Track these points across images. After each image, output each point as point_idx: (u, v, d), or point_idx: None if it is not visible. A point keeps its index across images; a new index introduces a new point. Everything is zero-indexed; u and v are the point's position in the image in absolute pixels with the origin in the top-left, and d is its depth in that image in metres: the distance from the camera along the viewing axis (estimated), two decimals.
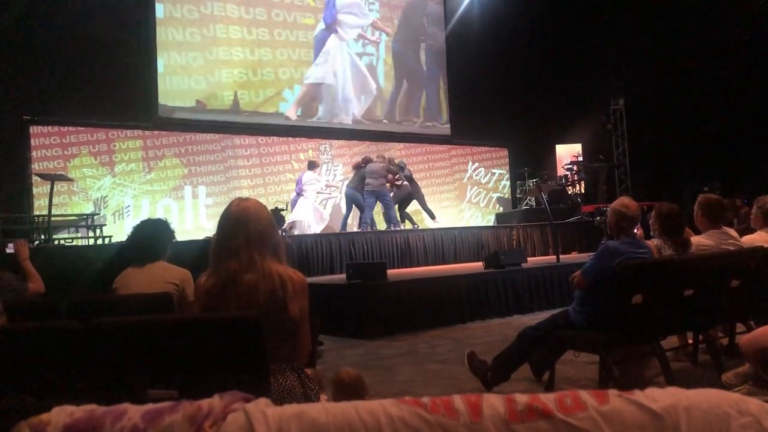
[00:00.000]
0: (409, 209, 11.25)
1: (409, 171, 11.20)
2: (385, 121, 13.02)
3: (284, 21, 11.83)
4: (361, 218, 10.16)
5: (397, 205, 10.87)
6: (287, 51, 11.82)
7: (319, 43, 12.20)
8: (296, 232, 9.81)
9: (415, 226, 10.83)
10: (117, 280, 3.24)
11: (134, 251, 3.30)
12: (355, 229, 10.29)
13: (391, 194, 10.53)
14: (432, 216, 11.04)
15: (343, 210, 10.89)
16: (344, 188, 11.02)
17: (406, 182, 10.80)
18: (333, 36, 12.29)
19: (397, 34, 13.49)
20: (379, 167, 10.06)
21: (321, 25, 12.28)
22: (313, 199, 10.57)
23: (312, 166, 10.66)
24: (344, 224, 10.54)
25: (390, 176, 10.24)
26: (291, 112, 11.74)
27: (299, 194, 10.38)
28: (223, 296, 2.11)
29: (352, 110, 12.49)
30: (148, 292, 3.02)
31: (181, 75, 10.65)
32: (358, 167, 10.51)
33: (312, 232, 10.06)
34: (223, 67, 11.03)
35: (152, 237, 3.32)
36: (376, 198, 9.99)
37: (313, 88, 12.04)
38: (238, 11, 11.27)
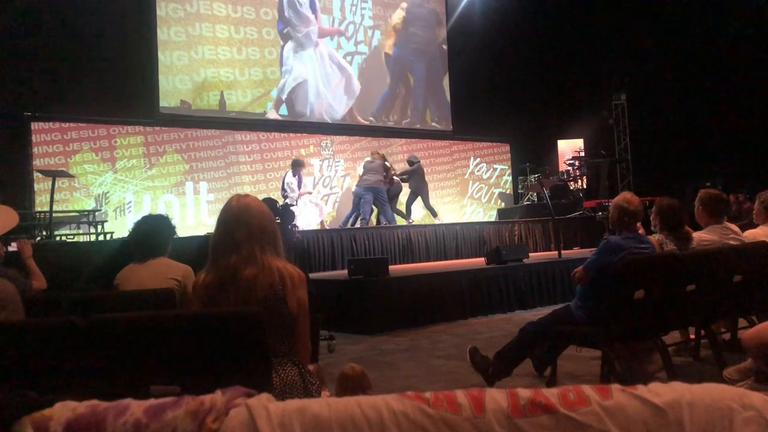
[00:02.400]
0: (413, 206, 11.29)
1: (422, 168, 11.11)
2: (371, 118, 12.89)
3: (273, 19, 11.70)
4: (359, 215, 10.17)
5: (405, 199, 11.00)
6: (276, 50, 11.68)
7: (281, 57, 11.82)
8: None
9: (410, 221, 10.82)
10: (119, 276, 3.24)
11: (135, 248, 3.29)
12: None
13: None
14: (434, 214, 11.06)
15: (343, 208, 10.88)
16: (346, 186, 11.04)
17: (398, 179, 10.81)
18: (287, 45, 11.83)
19: (398, 37, 13.40)
20: (377, 164, 10.09)
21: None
22: (303, 201, 10.44)
23: (296, 165, 10.16)
24: (345, 221, 10.53)
25: (386, 173, 10.27)
26: (272, 113, 11.60)
27: (284, 198, 10.11)
28: (222, 291, 2.11)
29: (333, 111, 12.29)
30: (150, 288, 3.02)
31: (165, 74, 10.53)
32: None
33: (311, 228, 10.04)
34: (209, 66, 10.90)
35: (153, 233, 3.31)
36: (373, 194, 10.00)
37: (285, 98, 11.81)
38: (225, 9, 11.12)
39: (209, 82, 10.91)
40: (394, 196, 10.84)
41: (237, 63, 11.21)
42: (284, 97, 11.75)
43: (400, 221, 10.71)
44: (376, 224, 10.19)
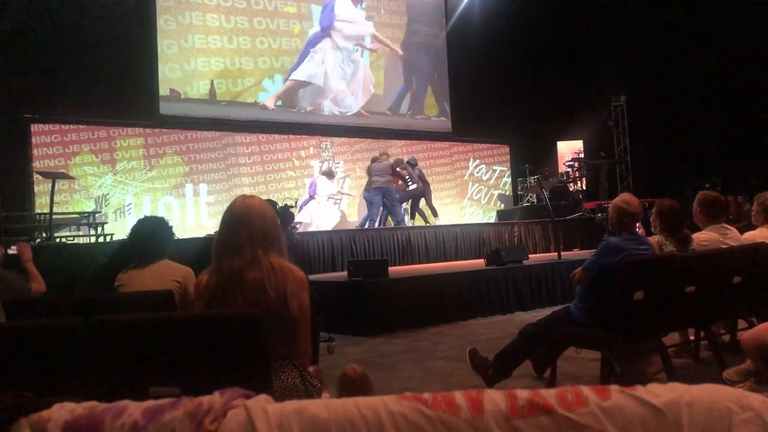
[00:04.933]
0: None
1: (419, 170, 11.19)
2: (388, 112, 13.00)
3: (264, 9, 11.68)
4: (367, 216, 10.21)
5: (410, 202, 11.10)
6: (267, 40, 11.65)
7: (311, 44, 11.99)
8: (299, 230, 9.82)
9: (427, 224, 10.86)
10: (119, 278, 3.23)
11: (135, 253, 3.28)
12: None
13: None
14: (435, 214, 11.08)
15: (352, 211, 10.97)
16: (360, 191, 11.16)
17: (413, 183, 10.86)
18: (326, 39, 12.12)
19: (407, 33, 13.54)
20: (385, 165, 10.13)
21: (316, 27, 12.13)
22: (325, 203, 10.63)
23: (329, 175, 10.84)
24: (362, 224, 10.56)
25: (396, 173, 10.31)
26: (269, 101, 11.57)
27: (312, 197, 10.42)
28: (227, 293, 2.10)
29: (345, 107, 12.41)
30: (150, 289, 3.02)
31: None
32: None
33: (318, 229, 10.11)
34: (199, 55, 10.87)
35: (152, 237, 3.29)
36: (382, 195, 10.04)
37: (298, 85, 11.88)
38: None
39: (200, 71, 10.88)
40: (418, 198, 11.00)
41: (228, 52, 11.18)
42: (299, 93, 11.89)
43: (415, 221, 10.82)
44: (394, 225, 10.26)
